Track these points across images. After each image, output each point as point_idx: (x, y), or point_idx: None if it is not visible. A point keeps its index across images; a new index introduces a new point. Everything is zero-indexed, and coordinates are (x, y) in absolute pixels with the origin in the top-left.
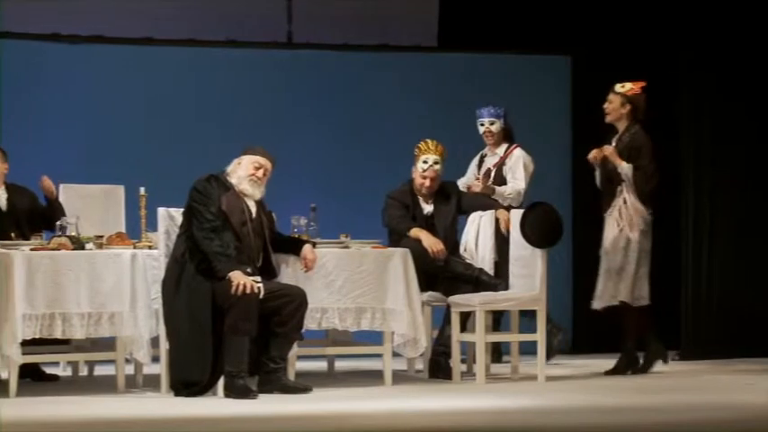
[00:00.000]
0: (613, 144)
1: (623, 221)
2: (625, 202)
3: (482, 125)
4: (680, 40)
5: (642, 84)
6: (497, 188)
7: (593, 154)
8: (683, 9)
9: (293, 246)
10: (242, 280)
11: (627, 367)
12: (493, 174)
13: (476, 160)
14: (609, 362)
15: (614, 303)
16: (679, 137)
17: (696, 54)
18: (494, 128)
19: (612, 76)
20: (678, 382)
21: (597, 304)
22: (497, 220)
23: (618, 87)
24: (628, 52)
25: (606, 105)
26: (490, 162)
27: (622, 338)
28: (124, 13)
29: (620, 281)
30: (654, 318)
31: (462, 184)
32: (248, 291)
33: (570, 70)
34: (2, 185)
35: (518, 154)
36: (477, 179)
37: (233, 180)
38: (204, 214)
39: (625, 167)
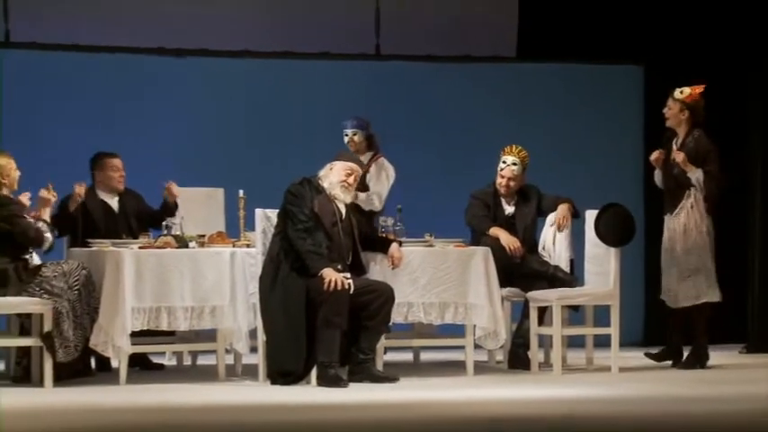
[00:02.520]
0: (674, 148)
1: (691, 224)
2: (692, 206)
3: (346, 135)
4: (749, 48)
5: (700, 88)
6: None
7: (654, 156)
8: (753, 17)
9: (381, 244)
10: (333, 276)
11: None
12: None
13: None
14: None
15: (699, 303)
16: (748, 139)
17: (765, 60)
18: (356, 138)
19: (685, 85)
20: (745, 374)
21: (680, 303)
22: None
23: (677, 93)
24: (699, 60)
25: (666, 111)
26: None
27: (692, 334)
28: (224, 28)
29: (702, 281)
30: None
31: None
32: (339, 286)
33: (643, 79)
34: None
35: (381, 163)
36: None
37: (324, 184)
38: (298, 215)
39: (696, 173)
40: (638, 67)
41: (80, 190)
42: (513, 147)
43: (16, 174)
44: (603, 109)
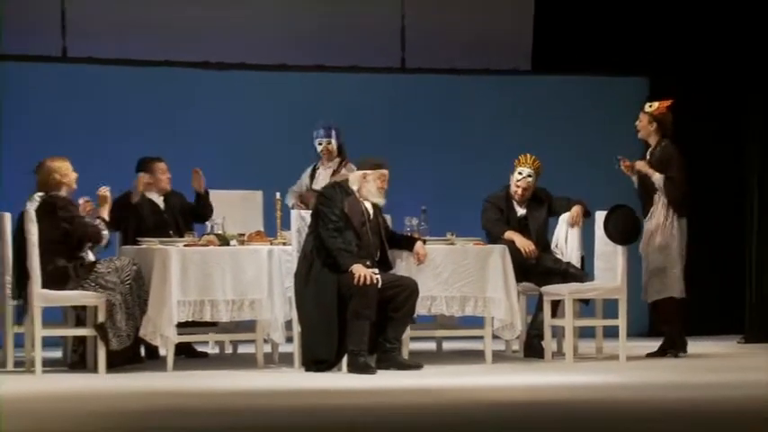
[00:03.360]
0: (647, 158)
1: (660, 226)
2: (660, 210)
3: (320, 144)
4: (749, 63)
5: (668, 103)
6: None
7: (622, 165)
8: (753, 33)
9: (407, 243)
10: (362, 272)
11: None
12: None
13: (308, 171)
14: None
15: (661, 297)
16: (744, 147)
17: (762, 75)
18: (330, 146)
19: (687, 97)
20: (744, 363)
21: (647, 298)
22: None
23: (646, 107)
24: (700, 73)
25: (637, 123)
26: (325, 174)
27: (667, 324)
28: (262, 43)
29: (665, 278)
30: (685, 311)
31: (293, 191)
32: (368, 281)
33: (648, 90)
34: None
35: (351, 168)
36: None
37: (354, 186)
38: (329, 216)
39: (657, 177)
40: (644, 79)
41: (144, 179)
42: (528, 156)
43: (74, 175)
44: (611, 118)
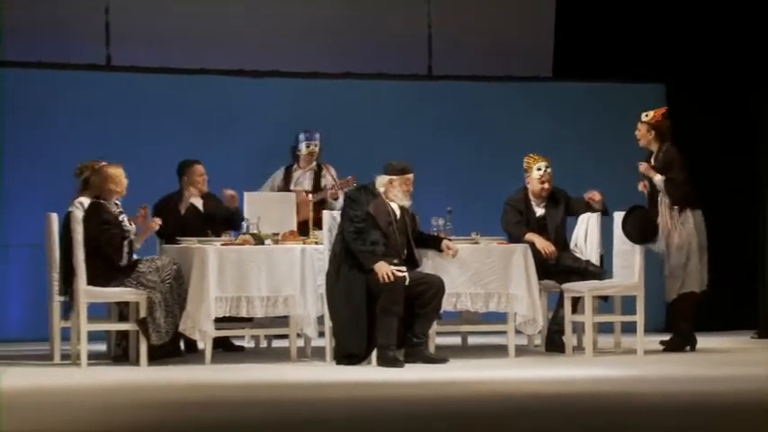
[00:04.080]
0: (652, 163)
1: (669, 225)
2: (665, 210)
3: (307, 147)
4: (762, 69)
5: (663, 110)
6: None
7: (641, 185)
8: (766, 42)
9: (433, 242)
10: (385, 270)
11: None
12: (311, 184)
13: (281, 173)
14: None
15: (682, 293)
16: (758, 148)
17: None
18: (315, 149)
19: (703, 102)
20: (757, 357)
21: (668, 296)
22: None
23: (643, 117)
24: (715, 79)
25: (636, 133)
26: (303, 175)
27: (682, 320)
28: (295, 52)
29: (684, 275)
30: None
31: (261, 192)
32: (392, 278)
33: (665, 96)
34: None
35: (329, 168)
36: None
37: (381, 189)
38: (352, 218)
39: (657, 179)
40: (661, 85)
41: (195, 188)
42: (536, 155)
43: (125, 181)
44: (629, 123)
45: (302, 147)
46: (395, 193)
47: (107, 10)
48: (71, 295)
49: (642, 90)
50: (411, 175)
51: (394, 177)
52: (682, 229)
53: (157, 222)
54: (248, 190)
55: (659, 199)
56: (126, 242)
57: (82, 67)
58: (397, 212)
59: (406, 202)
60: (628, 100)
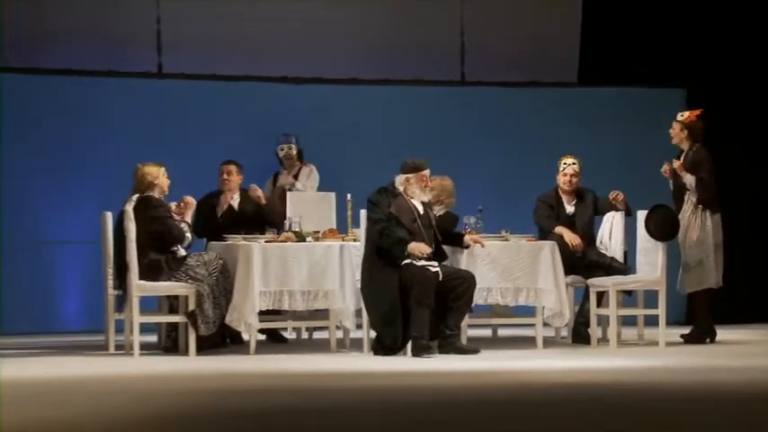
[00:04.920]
0: (680, 161)
1: (692, 223)
2: (690, 208)
3: (282, 150)
4: None
5: (698, 112)
6: (296, 183)
7: (664, 168)
8: None
9: (457, 239)
10: (421, 247)
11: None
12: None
13: (271, 178)
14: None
15: (698, 290)
16: None
17: None
18: (292, 151)
19: (721, 105)
20: None
21: (684, 289)
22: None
23: (678, 116)
24: (734, 84)
25: (670, 131)
26: (287, 177)
27: (701, 313)
28: (335, 59)
29: (702, 271)
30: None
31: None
32: (427, 252)
33: (686, 100)
34: (237, 192)
35: (311, 168)
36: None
37: (400, 188)
38: (376, 220)
39: (689, 178)
40: (682, 89)
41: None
42: (570, 156)
43: (166, 180)
44: (652, 126)
45: (278, 150)
46: (413, 190)
47: (158, 20)
48: (124, 289)
49: (663, 94)
50: (426, 172)
51: (410, 175)
52: (702, 227)
53: (191, 198)
54: (292, 191)
55: (686, 197)
56: (184, 227)
57: (136, 74)
58: (420, 208)
59: (425, 198)
60: (649, 104)
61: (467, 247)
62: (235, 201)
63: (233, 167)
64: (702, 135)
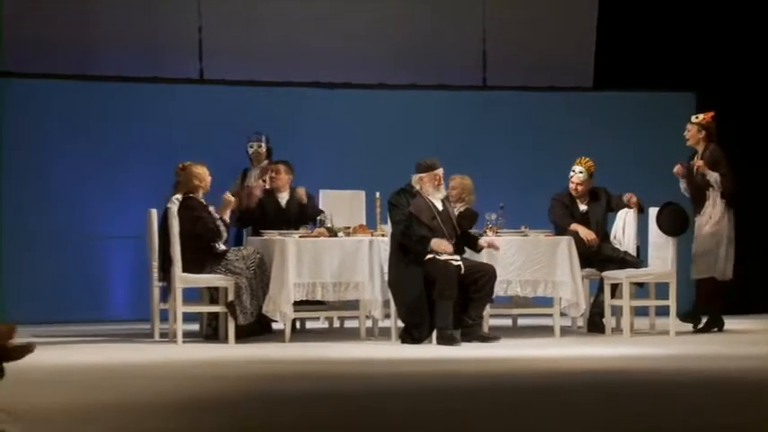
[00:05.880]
0: (696, 160)
1: (712, 217)
2: (712, 204)
3: (251, 147)
4: None
5: (712, 113)
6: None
7: (676, 169)
8: None
9: (472, 242)
10: (443, 245)
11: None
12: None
13: (240, 175)
14: (727, 322)
15: (705, 277)
16: None
17: None
18: (260, 149)
19: (730, 108)
20: None
21: (694, 275)
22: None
23: (693, 118)
24: (742, 88)
25: (686, 133)
26: (256, 173)
27: (708, 303)
28: (364, 65)
29: (711, 260)
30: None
31: (228, 191)
32: (448, 251)
33: (695, 104)
34: (287, 190)
35: (279, 167)
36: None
37: (416, 187)
38: (396, 221)
39: (714, 175)
40: (692, 93)
41: (258, 185)
42: (583, 158)
43: (209, 179)
44: (663, 129)
45: (248, 147)
46: (427, 189)
47: (200, 29)
48: (169, 281)
49: (674, 98)
50: (439, 171)
51: (423, 174)
52: (720, 220)
53: (230, 195)
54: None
55: (708, 193)
56: (220, 225)
57: (178, 80)
58: (439, 205)
59: (440, 195)
60: (662, 107)
61: (480, 250)
62: (283, 200)
63: (281, 167)
64: (716, 135)
